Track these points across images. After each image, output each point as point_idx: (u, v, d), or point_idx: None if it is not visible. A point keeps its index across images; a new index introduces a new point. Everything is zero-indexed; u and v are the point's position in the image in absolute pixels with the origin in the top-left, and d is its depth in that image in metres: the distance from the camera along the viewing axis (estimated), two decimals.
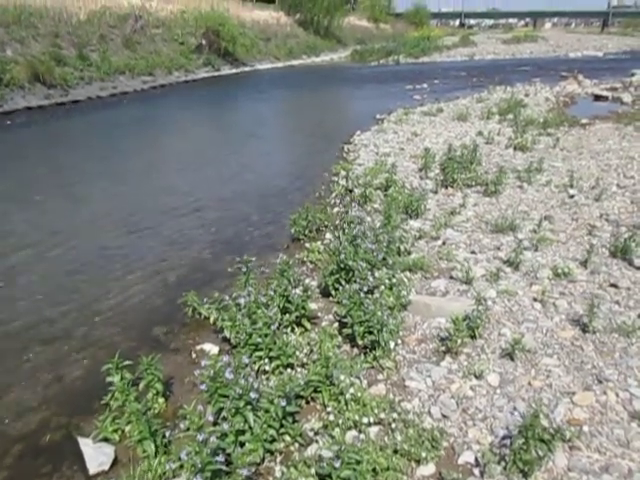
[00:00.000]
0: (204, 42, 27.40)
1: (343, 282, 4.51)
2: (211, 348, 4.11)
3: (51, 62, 17.99)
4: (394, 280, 4.46)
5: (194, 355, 4.08)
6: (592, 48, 48.01)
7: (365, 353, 3.78)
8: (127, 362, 3.41)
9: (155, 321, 4.68)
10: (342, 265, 4.54)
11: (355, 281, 4.26)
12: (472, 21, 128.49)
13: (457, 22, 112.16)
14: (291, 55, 35.99)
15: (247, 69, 29.43)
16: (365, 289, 4.01)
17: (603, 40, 63.47)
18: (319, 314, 4.54)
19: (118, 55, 22.34)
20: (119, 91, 19.90)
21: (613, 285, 4.77)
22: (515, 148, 9.89)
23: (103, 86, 19.59)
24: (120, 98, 19.17)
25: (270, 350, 3.63)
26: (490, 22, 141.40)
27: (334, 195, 7.61)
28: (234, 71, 28.19)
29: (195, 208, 7.76)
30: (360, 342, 3.82)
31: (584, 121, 12.52)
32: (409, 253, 5.46)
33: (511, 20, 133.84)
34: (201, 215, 7.47)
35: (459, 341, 3.77)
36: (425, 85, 21.17)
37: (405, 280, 4.72)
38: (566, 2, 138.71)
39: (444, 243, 5.78)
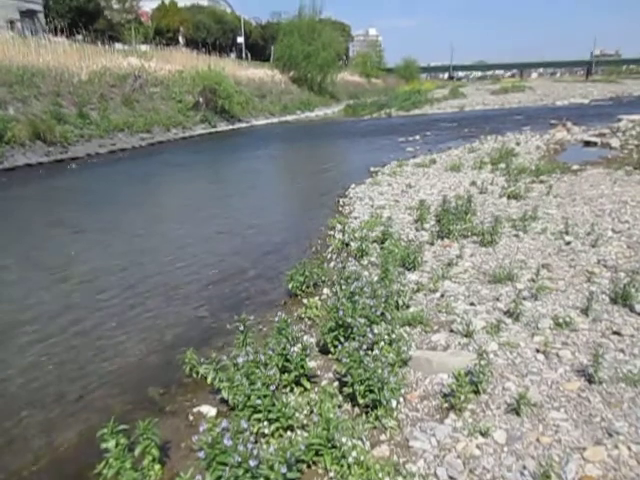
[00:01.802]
0: (201, 100, 28.09)
1: (342, 339, 4.45)
2: (209, 410, 4.00)
3: (52, 120, 18.39)
4: (394, 335, 4.40)
5: (191, 418, 3.97)
6: (578, 96, 49.49)
7: (367, 413, 3.69)
8: (122, 426, 3.30)
9: (151, 381, 4.58)
10: (340, 322, 4.49)
11: (354, 338, 4.21)
12: (461, 73, 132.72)
13: (446, 75, 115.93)
14: (286, 111, 36.86)
15: (243, 125, 30.08)
16: (364, 346, 3.95)
17: (588, 88, 65.51)
18: (318, 372, 4.45)
19: (117, 113, 22.86)
20: (117, 148, 20.25)
21: (616, 333, 4.71)
22: (509, 197, 10.00)
23: (102, 143, 19.95)
24: (118, 155, 19.49)
25: (269, 412, 3.54)
26: (478, 74, 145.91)
27: (331, 249, 7.62)
28: (230, 127, 28.81)
29: (192, 264, 7.74)
30: (361, 401, 3.72)
31: (575, 167, 12.73)
32: (408, 307, 5.42)
33: (498, 71, 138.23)
34: (198, 271, 7.44)
35: (462, 397, 3.69)
36: (417, 137, 21.61)
37: (405, 335, 4.66)
38: (550, 53, 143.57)
39: (442, 295, 5.74)
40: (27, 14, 37.47)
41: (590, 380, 3.93)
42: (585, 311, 5.12)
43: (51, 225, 10.19)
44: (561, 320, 4.89)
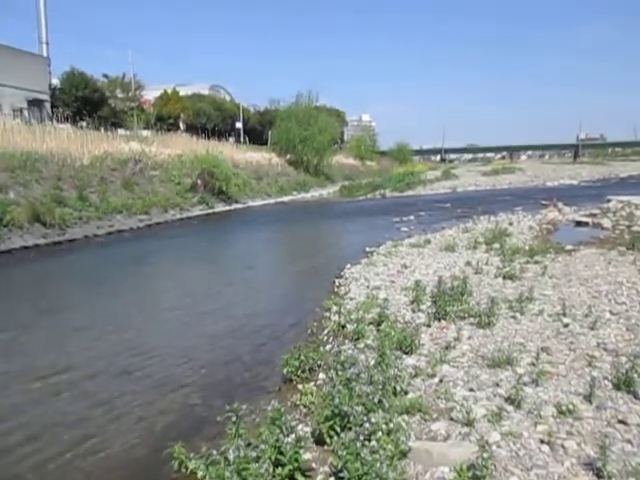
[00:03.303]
0: (199, 182, 28.73)
1: (338, 428, 4.28)
2: None
3: (52, 203, 18.66)
4: (392, 425, 4.22)
5: None
6: (567, 177, 50.91)
7: None
8: None
9: (139, 476, 4.35)
10: (337, 410, 4.33)
11: (351, 428, 4.04)
12: (452, 155, 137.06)
13: (438, 157, 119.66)
14: (282, 192, 37.66)
15: (240, 206, 30.60)
16: (362, 437, 3.78)
17: (577, 169, 67.46)
18: (314, 465, 4.24)
19: (117, 195, 23.29)
20: (115, 229, 20.43)
21: (622, 422, 4.54)
22: (504, 277, 9.99)
23: (100, 225, 20.15)
24: (116, 236, 19.62)
25: None
26: (469, 156, 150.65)
27: (327, 331, 7.51)
28: (227, 208, 29.28)
29: (185, 347, 7.59)
30: None
31: (569, 247, 12.83)
32: (406, 393, 5.26)
33: (489, 154, 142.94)
34: (191, 355, 7.28)
35: None
36: (412, 217, 21.95)
37: (403, 424, 4.48)
38: (538, 136, 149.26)
39: (441, 381, 5.58)
40: (34, 103, 39.07)
41: (599, 475, 3.74)
42: (588, 398, 4.97)
43: (39, 311, 10.05)
44: (564, 408, 4.73)
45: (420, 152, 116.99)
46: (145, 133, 41.86)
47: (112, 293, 11.24)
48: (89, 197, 21.38)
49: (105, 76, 51.79)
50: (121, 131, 40.96)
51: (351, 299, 9.26)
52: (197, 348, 7.59)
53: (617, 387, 5.20)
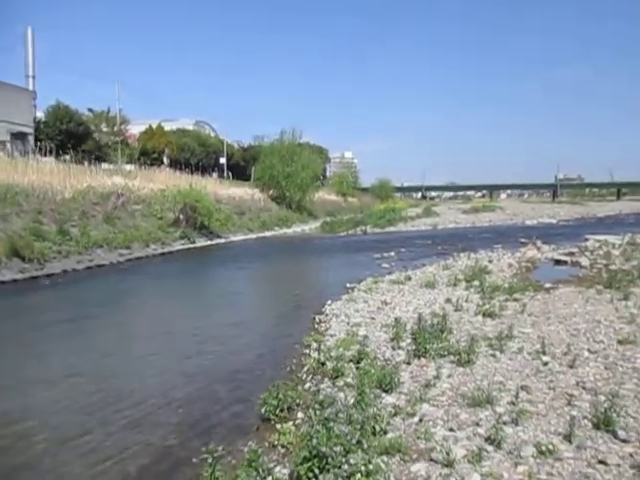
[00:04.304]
0: (181, 216, 28.67)
1: (317, 470, 4.18)
2: None
3: (30, 237, 18.40)
4: (371, 466, 4.15)
5: None
6: (546, 216, 51.88)
7: None
8: None
9: None
10: (315, 451, 4.25)
11: (329, 470, 3.96)
12: (433, 193, 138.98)
13: (419, 194, 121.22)
14: (264, 227, 37.69)
15: (222, 241, 30.50)
16: (340, 479, 3.71)
17: (555, 209, 68.88)
18: None
19: (98, 229, 23.09)
20: (95, 264, 20.13)
21: (602, 462, 4.53)
22: (484, 315, 10.04)
23: (80, 259, 19.85)
24: (96, 271, 19.35)
25: None
26: (450, 194, 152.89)
27: (306, 369, 7.43)
28: (209, 243, 29.17)
29: (162, 386, 7.43)
30: None
31: (548, 285, 12.99)
32: (385, 433, 5.18)
33: (469, 192, 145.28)
34: (168, 394, 7.12)
35: None
36: (393, 253, 22.07)
37: (382, 466, 4.40)
38: (518, 176, 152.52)
39: (421, 420, 5.52)
40: (18, 136, 39.00)
41: None
42: (568, 437, 4.95)
43: (16, 347, 9.82)
44: (544, 448, 4.70)
45: (401, 189, 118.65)
46: (129, 167, 41.86)
47: (88, 330, 11.02)
48: (70, 231, 21.16)
49: (90, 110, 52.03)
50: (105, 165, 40.91)
51: (331, 336, 9.20)
52: (174, 387, 7.43)
53: (597, 426, 5.20)
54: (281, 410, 5.97)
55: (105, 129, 51.85)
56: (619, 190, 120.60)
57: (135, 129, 57.87)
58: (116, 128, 51.61)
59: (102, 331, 11.02)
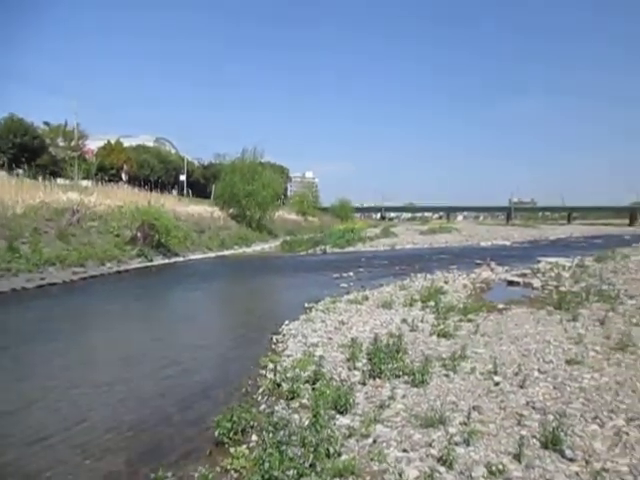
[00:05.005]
0: (139, 234, 28.10)
1: None
2: None
3: None
4: None
5: None
6: (501, 238, 53.28)
7: None
8: None
9: None
10: (267, 476, 4.21)
11: None
12: (392, 214, 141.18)
13: (378, 215, 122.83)
14: (223, 246, 37.30)
15: (180, 259, 30.01)
16: None
17: (509, 231, 70.95)
18: None
19: (51, 246, 22.33)
20: (47, 282, 19.44)
21: None
22: (439, 335, 10.20)
23: (30, 277, 19.14)
24: (48, 290, 18.68)
25: None
26: (408, 215, 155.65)
27: (261, 390, 7.36)
28: (166, 261, 28.64)
29: (112, 409, 7.21)
30: None
31: (501, 306, 13.31)
32: (339, 455, 5.17)
33: (427, 213, 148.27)
34: (118, 417, 6.91)
35: None
36: (351, 273, 22.19)
37: None
38: (474, 199, 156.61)
39: (375, 441, 5.55)
40: None
41: None
42: (517, 457, 5.07)
43: None
44: (494, 468, 4.80)
45: (361, 209, 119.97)
46: (85, 183, 41.01)
47: (35, 352, 10.62)
48: (20, 248, 20.41)
49: (46, 124, 50.87)
50: (60, 180, 39.94)
51: (288, 356, 9.16)
52: (125, 410, 7.22)
53: (545, 446, 5.34)
54: (235, 433, 5.89)
55: (62, 143, 50.74)
56: (570, 214, 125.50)
57: (93, 144, 56.83)
58: (73, 143, 50.56)
59: (49, 353, 10.62)
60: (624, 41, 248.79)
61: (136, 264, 26.02)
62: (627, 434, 5.59)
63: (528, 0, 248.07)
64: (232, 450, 5.47)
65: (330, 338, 10.36)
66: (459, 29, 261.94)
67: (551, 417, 5.89)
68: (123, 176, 55.27)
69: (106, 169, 51.68)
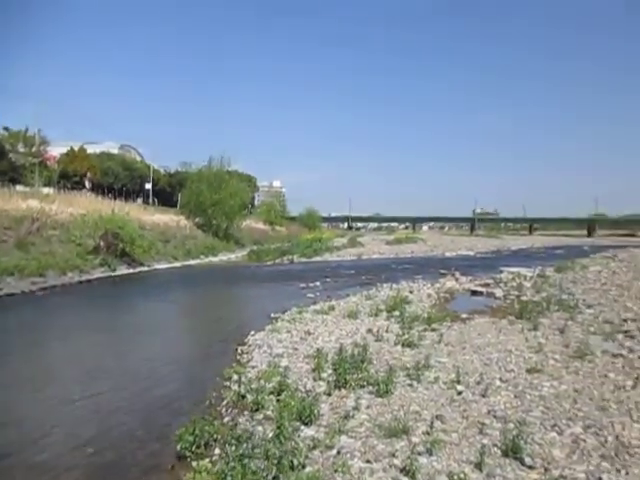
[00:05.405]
0: (102, 243, 27.55)
1: None
2: None
3: None
4: None
5: None
6: (465, 248, 54.18)
7: None
8: None
9: None
10: None
11: None
12: (359, 224, 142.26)
13: (346, 225, 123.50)
14: (189, 255, 36.85)
15: (144, 269, 29.50)
16: None
17: (473, 241, 72.29)
18: None
19: (9, 256, 21.68)
20: (4, 293, 18.81)
21: None
22: (403, 345, 10.28)
23: None
24: (5, 301, 18.05)
25: None
26: (375, 225, 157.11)
27: (225, 402, 7.28)
28: (131, 271, 28.13)
29: (71, 425, 7.03)
30: None
31: (464, 316, 13.52)
32: (303, 467, 5.15)
33: (393, 223, 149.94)
34: (77, 434, 6.73)
35: None
36: (318, 283, 22.20)
37: None
38: (439, 209, 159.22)
39: (339, 452, 5.55)
40: None
41: None
42: (479, 466, 5.14)
43: None
44: (456, 477, 4.86)
45: (328, 219, 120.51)
46: (46, 190, 40.05)
47: None
48: None
49: (6, 129, 49.57)
50: (20, 187, 38.93)
51: (253, 367, 9.09)
52: (85, 426, 7.02)
53: (505, 454, 5.44)
54: (198, 446, 5.81)
55: (22, 149, 49.49)
56: (531, 225, 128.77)
57: (55, 150, 55.64)
58: (34, 149, 49.37)
59: (2, 369, 10.29)
60: (586, 55, 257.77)
61: (99, 274, 25.47)
62: (584, 441, 5.75)
63: (485, 11, 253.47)
64: (194, 464, 5.37)
65: (296, 348, 10.33)
66: (426, 37, 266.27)
67: (512, 425, 6.00)
68: (86, 184, 54.25)
69: (69, 176, 50.65)
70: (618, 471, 5.10)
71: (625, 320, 12.08)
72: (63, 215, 29.09)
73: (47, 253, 24.03)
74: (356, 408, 6.74)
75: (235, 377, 8.07)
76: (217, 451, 5.76)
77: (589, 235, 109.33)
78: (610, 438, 5.80)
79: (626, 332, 10.87)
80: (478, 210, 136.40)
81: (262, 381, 7.80)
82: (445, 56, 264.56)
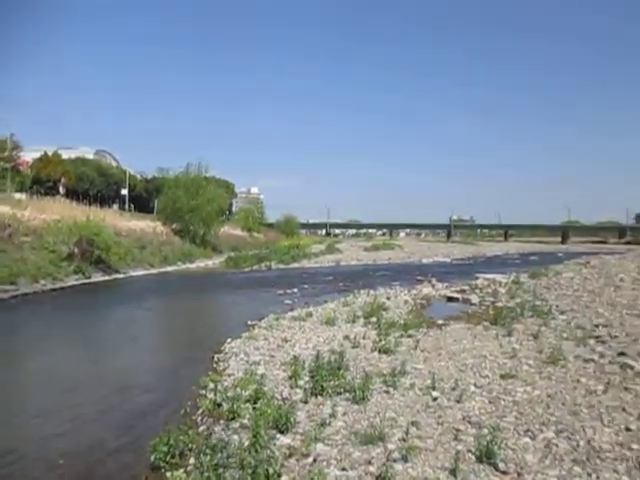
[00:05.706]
0: (76, 250, 27.11)
1: None
2: None
3: None
4: None
5: None
6: (441, 255, 54.69)
7: None
8: None
9: None
10: None
11: None
12: (337, 230, 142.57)
13: (324, 231, 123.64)
14: (166, 262, 36.49)
15: (120, 276, 29.12)
16: None
17: (449, 248, 73.03)
18: None
19: None
20: None
21: None
22: (380, 351, 10.33)
23: None
24: None
25: None
26: (353, 231, 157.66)
27: (201, 411, 7.22)
28: (106, 278, 27.73)
29: (43, 437, 6.87)
30: None
31: (440, 322, 13.64)
32: (279, 475, 5.12)
33: (371, 230, 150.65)
34: (49, 445, 6.59)
35: None
36: (295, 290, 22.19)
37: None
38: (416, 216, 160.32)
39: (315, 460, 5.54)
40: None
41: None
42: (453, 472, 5.17)
43: None
44: None
45: (307, 226, 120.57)
46: (19, 196, 39.27)
47: None
48: None
49: None
50: None
51: (229, 375, 9.04)
52: (57, 438, 6.88)
53: (480, 460, 5.48)
54: (172, 457, 5.74)
55: None
56: (506, 232, 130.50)
57: (29, 155, 54.59)
58: (6, 153, 48.38)
59: None
60: (558, 62, 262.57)
61: (73, 281, 25.04)
62: (557, 446, 5.83)
63: (457, 21, 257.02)
64: (169, 475, 5.31)
65: (272, 356, 10.30)
66: (396, 47, 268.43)
67: (486, 431, 6.05)
68: (61, 189, 53.31)
69: (42, 182, 49.75)
70: (589, 475, 5.18)
71: (597, 326, 12.30)
72: (36, 221, 28.56)
73: (19, 260, 23.53)
74: (332, 415, 6.74)
75: (211, 385, 8.02)
76: (192, 461, 5.70)
77: (563, 242, 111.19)
78: (582, 442, 5.89)
79: (597, 337, 11.08)
80: (454, 217, 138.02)
81: (238, 389, 7.75)
82: (419, 66, 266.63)
